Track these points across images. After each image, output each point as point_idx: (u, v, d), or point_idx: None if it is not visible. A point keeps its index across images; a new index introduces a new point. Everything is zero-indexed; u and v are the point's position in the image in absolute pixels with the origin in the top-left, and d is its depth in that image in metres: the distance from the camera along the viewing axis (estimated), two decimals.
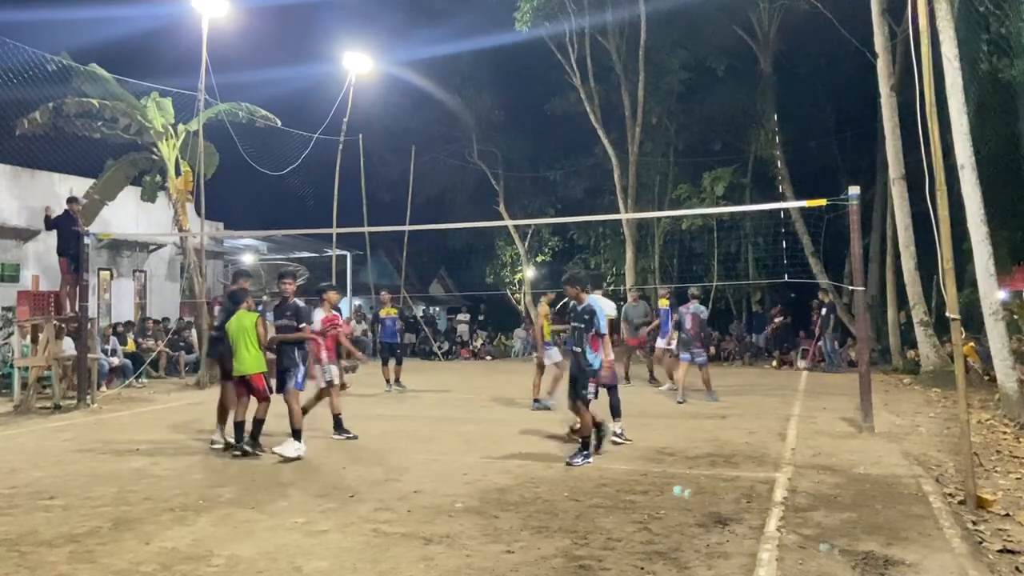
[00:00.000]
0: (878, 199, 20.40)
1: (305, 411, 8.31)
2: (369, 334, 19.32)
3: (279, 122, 18.12)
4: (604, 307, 8.66)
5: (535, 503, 5.84)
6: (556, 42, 23.23)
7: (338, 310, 10.03)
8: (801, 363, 18.17)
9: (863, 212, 11.75)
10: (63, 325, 12.41)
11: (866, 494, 6.05)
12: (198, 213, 16.19)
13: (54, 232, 13.78)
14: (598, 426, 7.66)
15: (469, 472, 6.87)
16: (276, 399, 7.92)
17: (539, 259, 29.99)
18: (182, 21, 17.67)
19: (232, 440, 7.97)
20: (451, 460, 7.47)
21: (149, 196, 17.55)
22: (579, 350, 7.42)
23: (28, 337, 12.35)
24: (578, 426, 8.85)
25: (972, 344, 13.70)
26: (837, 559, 4.55)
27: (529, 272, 29.03)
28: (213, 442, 8.23)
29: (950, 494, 6.03)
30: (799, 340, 19.71)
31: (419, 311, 29.05)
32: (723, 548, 4.77)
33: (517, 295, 29.86)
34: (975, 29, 10.80)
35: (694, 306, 12.12)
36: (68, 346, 12.43)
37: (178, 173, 16.56)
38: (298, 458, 7.51)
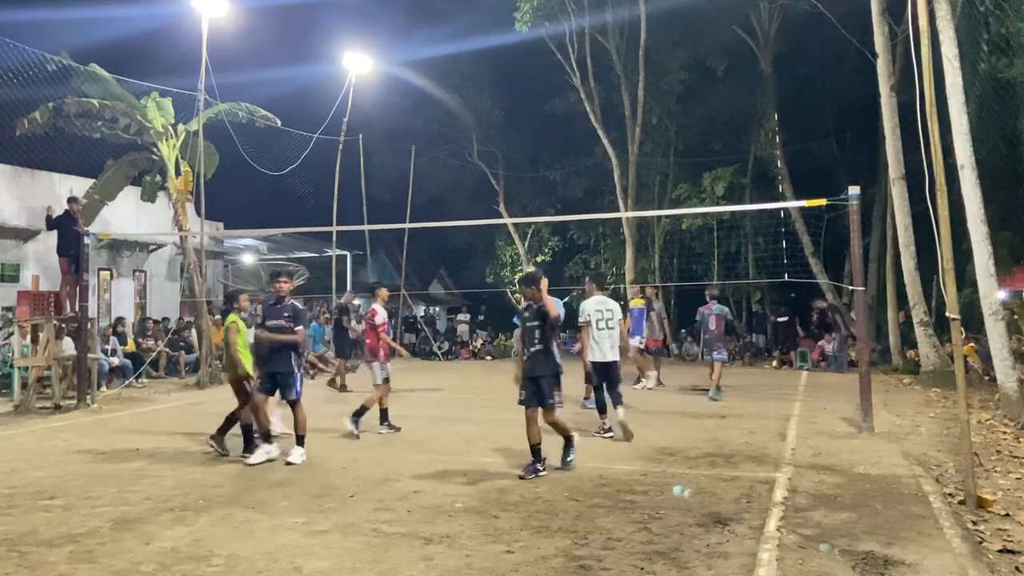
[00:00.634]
0: (878, 199, 20.40)
1: (367, 408, 8.86)
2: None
3: (279, 122, 18.12)
4: (594, 305, 8.86)
5: (535, 503, 5.84)
6: (556, 42, 23.23)
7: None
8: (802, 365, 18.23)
9: (863, 212, 11.74)
10: (63, 325, 12.41)
11: (866, 494, 6.05)
12: (198, 213, 16.19)
13: (54, 232, 13.79)
14: (567, 439, 7.11)
15: (469, 472, 6.87)
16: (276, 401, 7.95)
17: (539, 259, 29.97)
18: (182, 21, 17.69)
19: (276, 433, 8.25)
20: (451, 460, 7.46)
21: (149, 196, 17.54)
22: (538, 348, 6.90)
23: (28, 337, 12.35)
24: (607, 425, 8.91)
25: (972, 344, 13.70)
26: (837, 559, 4.55)
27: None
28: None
29: (950, 494, 6.03)
30: (799, 340, 19.72)
31: (419, 311, 29.05)
32: (723, 548, 4.77)
33: (517, 295, 29.84)
34: (975, 29, 10.79)
35: (716, 307, 12.19)
36: (68, 346, 12.43)
37: (178, 173, 16.55)
38: (269, 460, 7.44)
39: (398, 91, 26.33)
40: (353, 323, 14.55)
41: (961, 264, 10.59)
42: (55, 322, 12.12)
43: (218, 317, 19.37)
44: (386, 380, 9.11)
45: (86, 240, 12.80)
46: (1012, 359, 9.81)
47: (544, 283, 7.08)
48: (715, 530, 5.13)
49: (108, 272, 19.56)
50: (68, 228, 13.25)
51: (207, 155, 16.29)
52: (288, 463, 7.32)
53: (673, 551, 4.71)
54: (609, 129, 23.43)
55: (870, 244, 20.73)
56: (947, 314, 6.22)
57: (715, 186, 22.46)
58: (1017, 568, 4.49)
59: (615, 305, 8.93)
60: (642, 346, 13.43)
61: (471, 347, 24.88)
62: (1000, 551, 4.77)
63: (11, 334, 13.29)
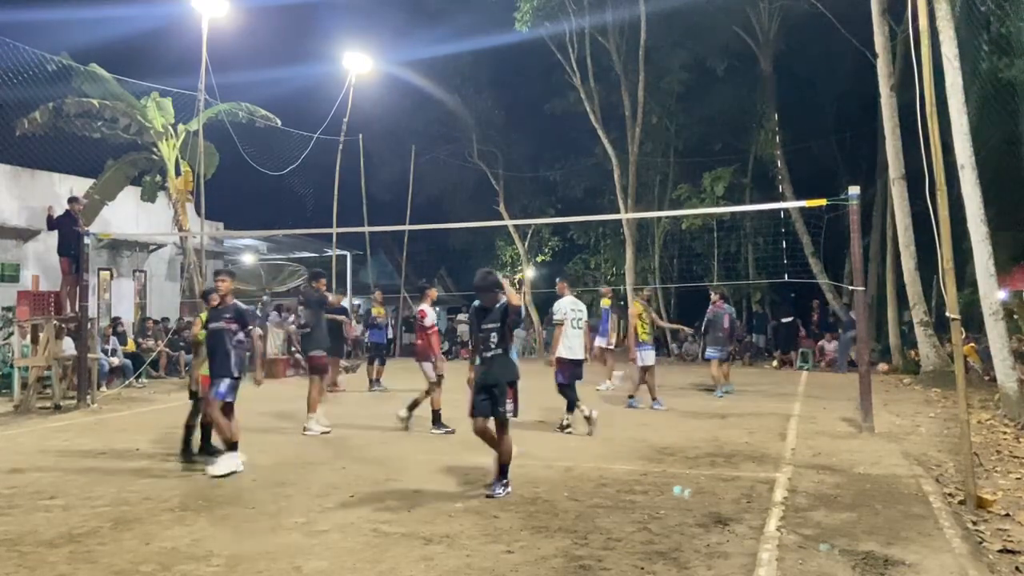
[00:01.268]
0: (878, 199, 20.40)
1: (416, 404, 9.06)
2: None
3: (279, 122, 18.15)
4: (568, 304, 9.30)
5: (535, 503, 5.84)
6: (556, 42, 23.21)
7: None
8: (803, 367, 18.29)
9: (863, 212, 11.76)
10: (63, 325, 12.41)
11: (866, 494, 6.05)
12: (198, 213, 16.21)
13: (54, 232, 13.77)
14: (503, 467, 6.32)
15: (469, 472, 6.87)
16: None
17: (539, 259, 29.97)
18: (182, 21, 17.71)
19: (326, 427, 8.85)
20: (451, 460, 7.46)
21: (149, 196, 17.56)
22: (497, 352, 6.21)
23: (28, 337, 12.35)
24: (567, 422, 8.99)
25: (972, 344, 13.70)
26: (837, 559, 4.55)
27: (529, 272, 29.02)
28: (305, 429, 8.99)
29: (950, 494, 6.03)
30: (799, 340, 19.71)
31: None
32: (723, 548, 4.76)
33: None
34: (975, 29, 10.80)
35: (727, 306, 12.53)
36: (68, 346, 12.43)
37: (178, 173, 16.57)
38: (234, 473, 6.80)
39: (398, 91, 26.33)
40: (352, 323, 14.58)
41: (961, 264, 10.61)
42: (55, 322, 12.12)
43: None
44: (439, 379, 9.13)
45: (86, 240, 12.79)
46: (1012, 359, 9.82)
47: (506, 282, 6.41)
48: (715, 530, 5.12)
49: (108, 272, 19.57)
50: (69, 228, 13.26)
51: (207, 155, 16.30)
52: (209, 473, 6.77)
53: (673, 551, 4.71)
54: (609, 129, 23.41)
55: (870, 244, 20.73)
56: (947, 314, 6.22)
57: (715, 186, 22.44)
58: (1017, 568, 4.48)
59: (583, 306, 9.53)
60: (610, 346, 13.80)
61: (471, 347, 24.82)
62: (1000, 551, 4.77)
63: (11, 334, 13.29)
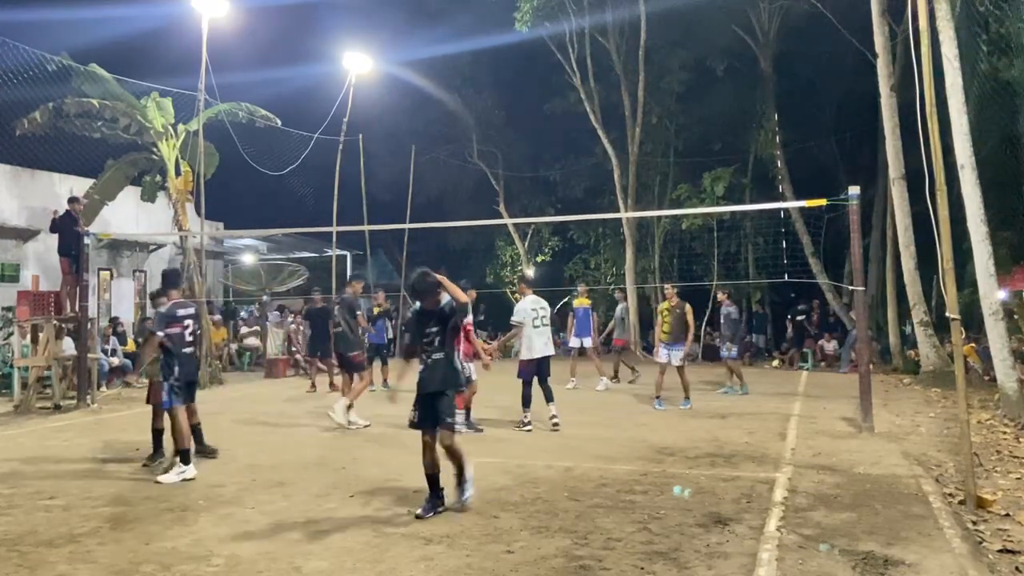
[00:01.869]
0: (878, 199, 20.38)
1: (469, 408, 9.10)
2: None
3: (279, 122, 18.13)
4: (529, 305, 9.42)
5: (535, 503, 5.84)
6: (556, 42, 23.22)
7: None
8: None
9: (863, 212, 11.75)
10: (63, 325, 12.41)
11: (866, 494, 6.05)
12: (198, 213, 16.20)
13: (55, 232, 13.77)
14: (460, 471, 5.80)
15: None
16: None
17: (539, 259, 29.97)
18: (182, 21, 17.68)
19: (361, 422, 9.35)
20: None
21: (149, 196, 17.55)
22: (439, 357, 5.74)
23: (28, 337, 12.35)
24: (527, 419, 9.27)
25: (972, 344, 13.69)
26: (837, 559, 4.55)
27: (529, 272, 29.00)
28: (349, 422, 9.44)
29: (950, 494, 6.03)
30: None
31: None
32: (723, 548, 4.77)
33: (517, 295, 29.81)
34: (975, 29, 10.79)
35: (733, 307, 12.88)
36: (68, 346, 12.43)
37: (178, 173, 16.55)
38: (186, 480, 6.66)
39: (398, 91, 26.33)
40: (361, 319, 14.47)
41: (961, 264, 10.61)
42: (55, 322, 12.12)
43: (218, 317, 19.41)
44: (468, 379, 9.01)
45: (86, 240, 12.80)
46: (1012, 359, 9.81)
47: (446, 282, 5.82)
48: (715, 530, 5.13)
49: (108, 272, 19.57)
50: (69, 228, 13.25)
51: (207, 155, 16.29)
52: (157, 481, 6.62)
53: (673, 551, 4.71)
54: (609, 129, 23.41)
55: (870, 244, 20.72)
56: (947, 314, 6.22)
57: (715, 186, 22.42)
58: (1017, 568, 4.49)
59: (546, 303, 9.69)
60: (595, 347, 14.13)
61: None
62: (1000, 551, 4.77)
63: (11, 334, 13.29)
